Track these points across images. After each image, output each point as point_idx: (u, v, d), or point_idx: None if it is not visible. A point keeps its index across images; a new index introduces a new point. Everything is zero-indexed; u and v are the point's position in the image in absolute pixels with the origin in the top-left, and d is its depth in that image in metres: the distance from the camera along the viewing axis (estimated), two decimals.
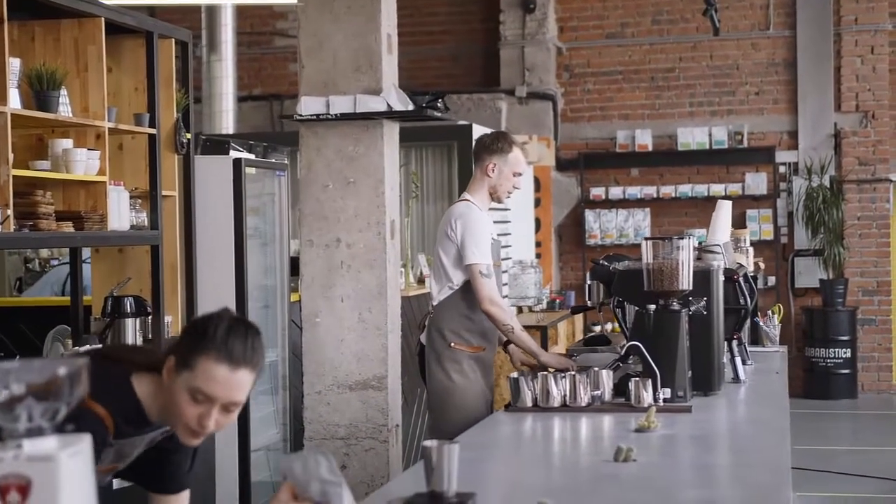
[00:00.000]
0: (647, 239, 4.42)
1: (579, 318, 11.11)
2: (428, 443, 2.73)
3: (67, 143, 4.99)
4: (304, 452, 2.52)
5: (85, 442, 1.80)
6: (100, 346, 5.05)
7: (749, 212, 12.46)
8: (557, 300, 10.85)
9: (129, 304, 5.39)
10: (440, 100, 5.98)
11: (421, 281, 8.26)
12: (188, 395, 2.55)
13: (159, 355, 2.68)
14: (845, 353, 12.09)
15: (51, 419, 1.78)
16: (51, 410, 1.78)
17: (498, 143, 5.26)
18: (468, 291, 5.11)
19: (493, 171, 5.22)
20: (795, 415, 10.51)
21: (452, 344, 5.13)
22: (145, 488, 2.88)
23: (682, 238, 4.40)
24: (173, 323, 5.78)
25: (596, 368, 4.35)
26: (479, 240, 5.05)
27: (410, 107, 5.66)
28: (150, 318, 5.53)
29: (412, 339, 7.32)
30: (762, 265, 9.57)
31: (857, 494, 7.99)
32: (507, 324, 5.04)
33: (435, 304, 5.22)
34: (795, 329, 12.49)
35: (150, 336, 5.56)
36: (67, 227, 4.90)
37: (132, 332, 5.40)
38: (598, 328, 11.87)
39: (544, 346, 8.83)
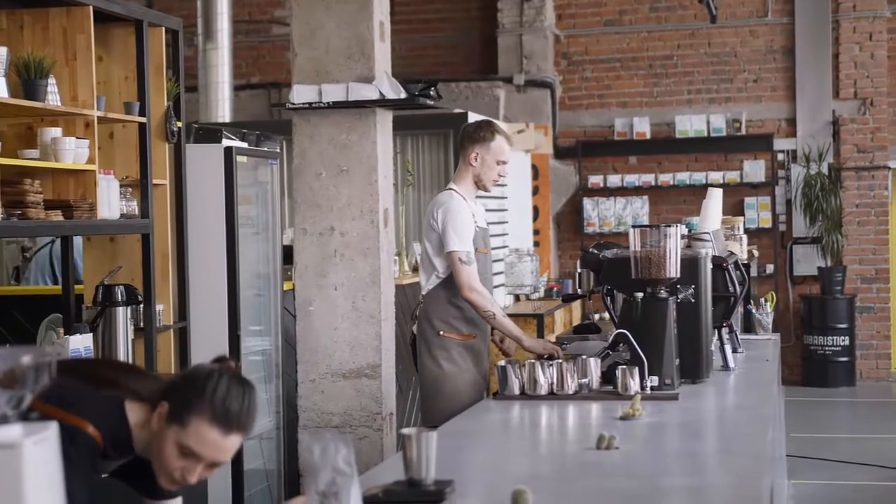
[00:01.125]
0: (634, 227, 4.42)
1: (577, 306, 11.11)
2: (406, 431, 2.75)
3: (56, 131, 4.98)
4: (328, 436, 2.52)
5: (50, 430, 1.81)
6: (92, 357, 4.98)
7: (747, 199, 12.45)
8: (555, 288, 10.85)
9: (120, 293, 5.39)
10: (433, 88, 5.98)
11: (416, 269, 8.26)
12: (176, 448, 2.55)
13: (153, 387, 2.65)
14: (844, 340, 12.09)
15: (15, 407, 1.79)
16: (15, 398, 1.79)
17: (480, 131, 5.26)
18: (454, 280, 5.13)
19: (476, 160, 5.23)
20: (794, 402, 10.58)
21: (441, 332, 5.15)
22: (138, 493, 2.86)
23: (670, 226, 4.40)
24: (164, 311, 5.78)
25: (584, 356, 4.35)
26: (458, 227, 5.06)
27: (403, 95, 5.66)
28: (141, 306, 5.53)
29: (406, 327, 7.33)
30: (756, 253, 9.58)
31: (854, 482, 7.99)
32: (489, 310, 5.05)
33: (424, 293, 5.24)
34: (794, 317, 12.49)
35: (141, 325, 5.56)
36: (56, 216, 4.90)
37: (123, 320, 5.40)
38: (596, 316, 11.88)
39: (540, 334, 8.83)
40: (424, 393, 5.23)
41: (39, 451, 1.77)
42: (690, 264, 4.51)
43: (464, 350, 5.14)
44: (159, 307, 5.70)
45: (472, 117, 10.00)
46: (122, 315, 5.41)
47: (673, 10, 12.78)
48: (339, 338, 5.58)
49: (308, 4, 5.77)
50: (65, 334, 5.30)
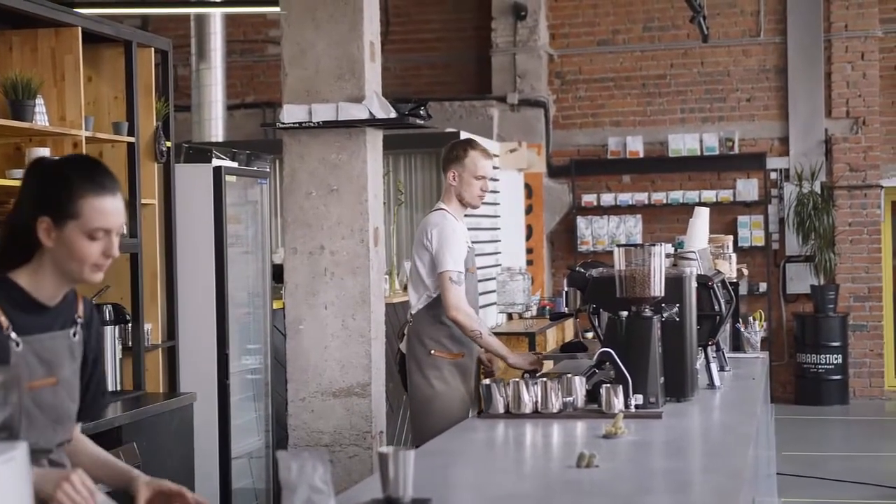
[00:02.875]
0: (619, 246, 4.44)
1: (569, 324, 11.12)
2: (383, 449, 2.76)
3: (44, 151, 5.01)
4: (306, 454, 2.56)
5: (20, 449, 1.82)
6: None
7: (740, 218, 12.48)
8: (548, 307, 10.85)
9: (108, 312, 5.40)
10: (422, 108, 6.00)
11: (406, 288, 8.28)
12: (85, 238, 2.63)
13: (20, 240, 2.68)
14: (837, 358, 12.09)
15: None
16: None
17: (453, 151, 5.38)
18: None
19: (455, 178, 5.32)
20: (786, 421, 10.58)
21: (433, 352, 5.19)
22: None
23: (654, 245, 4.41)
24: (153, 330, 5.79)
25: (569, 375, 4.36)
26: (453, 248, 5.12)
27: (392, 114, 5.68)
28: (129, 325, 5.54)
29: (396, 345, 7.34)
30: (745, 271, 9.58)
31: (847, 500, 7.99)
32: (475, 329, 5.10)
33: (413, 312, 5.28)
34: (787, 335, 12.50)
35: (129, 344, 5.57)
36: None
37: (111, 339, 5.41)
38: (590, 335, 11.88)
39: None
40: (415, 412, 5.24)
41: (9, 470, 1.78)
42: (675, 283, 4.53)
43: (454, 368, 5.17)
44: (148, 326, 5.71)
45: (464, 136, 10.03)
46: (110, 334, 5.42)
47: (666, 30, 12.83)
48: (329, 356, 5.59)
49: (299, 24, 5.79)
50: None
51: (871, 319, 12.46)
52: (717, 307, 5.00)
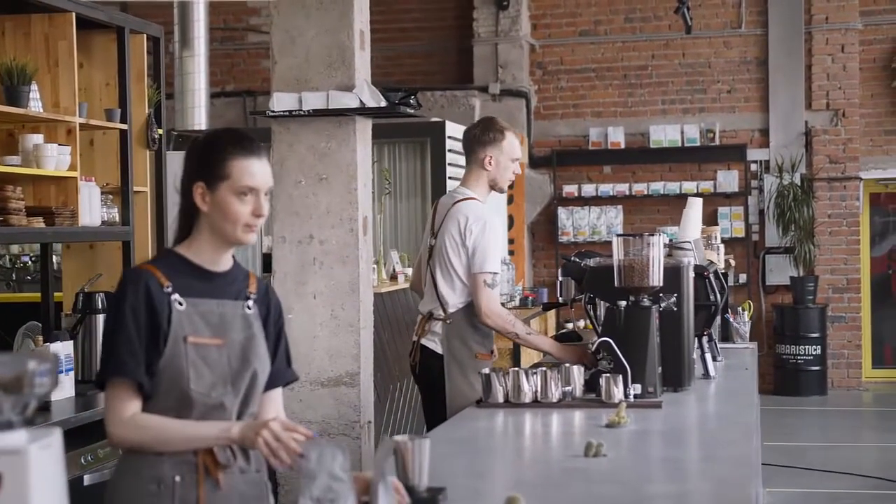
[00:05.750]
0: (618, 235, 4.44)
1: (552, 314, 11.15)
2: (399, 438, 2.75)
3: (38, 138, 4.97)
4: (324, 442, 2.60)
5: (55, 436, 1.80)
6: None
7: (721, 209, 12.53)
8: (530, 297, 10.87)
9: (100, 300, 5.36)
10: (413, 97, 5.99)
11: (393, 277, 8.27)
12: (235, 198, 2.83)
13: (185, 216, 2.92)
14: (815, 349, 12.18)
15: (20, 413, 1.78)
16: (20, 404, 1.78)
17: (489, 132, 4.99)
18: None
19: (490, 163, 4.98)
20: (766, 411, 10.62)
21: (478, 355, 4.93)
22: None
23: (653, 235, 4.42)
24: None
25: (567, 364, 4.37)
26: (491, 248, 4.83)
27: (383, 103, 5.67)
28: None
29: (384, 335, 7.33)
30: (733, 262, 9.63)
31: (827, 490, 8.05)
32: (511, 331, 4.83)
33: (451, 310, 4.92)
34: (766, 326, 12.57)
35: None
36: (38, 223, 4.88)
37: (103, 328, 5.37)
38: (569, 325, 11.91)
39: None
40: (455, 412, 4.97)
41: (44, 457, 1.77)
42: (673, 273, 4.53)
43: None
44: None
45: (450, 126, 10.03)
46: (102, 322, 5.38)
47: (647, 21, 12.86)
48: (317, 346, 5.58)
49: (288, 12, 5.76)
50: (44, 342, 5.27)
51: (849, 311, 12.55)
52: (712, 297, 5.02)
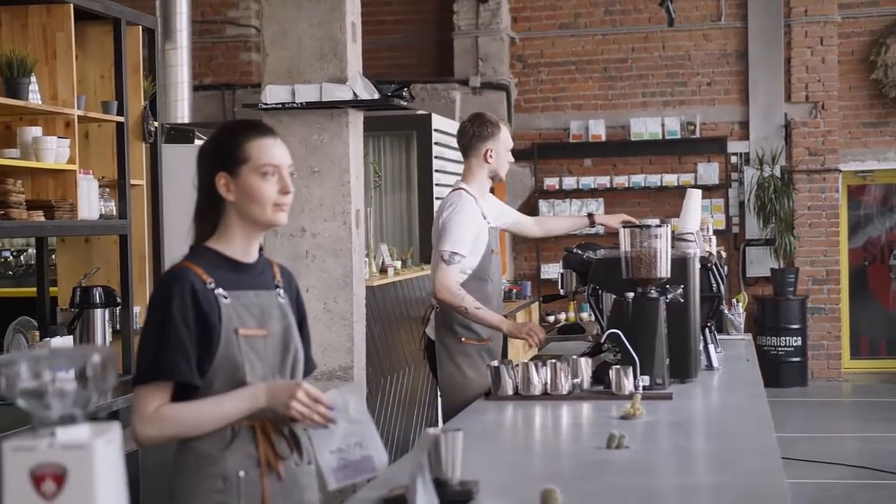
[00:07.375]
0: (625, 226, 4.43)
1: (535, 307, 11.15)
2: (432, 430, 2.73)
3: (37, 130, 4.91)
4: (335, 392, 2.68)
5: (115, 430, 1.78)
6: None
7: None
8: (514, 290, 10.87)
9: (97, 295, 5.32)
10: (406, 88, 5.96)
11: (383, 271, 8.23)
12: (259, 178, 2.82)
13: (208, 211, 2.89)
14: (796, 341, 12.24)
15: (83, 407, 1.76)
16: (83, 398, 1.76)
17: (486, 128, 5.21)
18: (474, 284, 5.05)
19: (492, 156, 5.20)
20: None
21: (463, 339, 5.08)
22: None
23: (660, 226, 4.42)
24: (142, 313, 5.71)
25: (575, 356, 4.36)
26: (457, 228, 4.99)
27: (376, 96, 5.65)
28: (118, 308, 5.46)
29: (375, 329, 7.31)
30: (724, 253, 9.65)
31: (809, 480, 8.09)
32: (460, 305, 4.97)
33: (440, 299, 5.07)
34: (747, 318, 12.59)
35: (118, 327, 5.49)
36: (38, 217, 4.82)
37: (101, 322, 5.33)
38: (552, 317, 11.93)
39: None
40: (448, 399, 5.14)
41: (108, 451, 1.75)
42: (679, 264, 4.53)
43: (485, 354, 5.10)
44: (137, 309, 5.63)
45: (436, 119, 10.01)
46: (100, 317, 5.35)
47: (628, 14, 12.87)
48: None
49: (279, 3, 5.73)
50: (41, 337, 5.22)
51: (829, 302, 12.62)
52: (715, 288, 5.03)
